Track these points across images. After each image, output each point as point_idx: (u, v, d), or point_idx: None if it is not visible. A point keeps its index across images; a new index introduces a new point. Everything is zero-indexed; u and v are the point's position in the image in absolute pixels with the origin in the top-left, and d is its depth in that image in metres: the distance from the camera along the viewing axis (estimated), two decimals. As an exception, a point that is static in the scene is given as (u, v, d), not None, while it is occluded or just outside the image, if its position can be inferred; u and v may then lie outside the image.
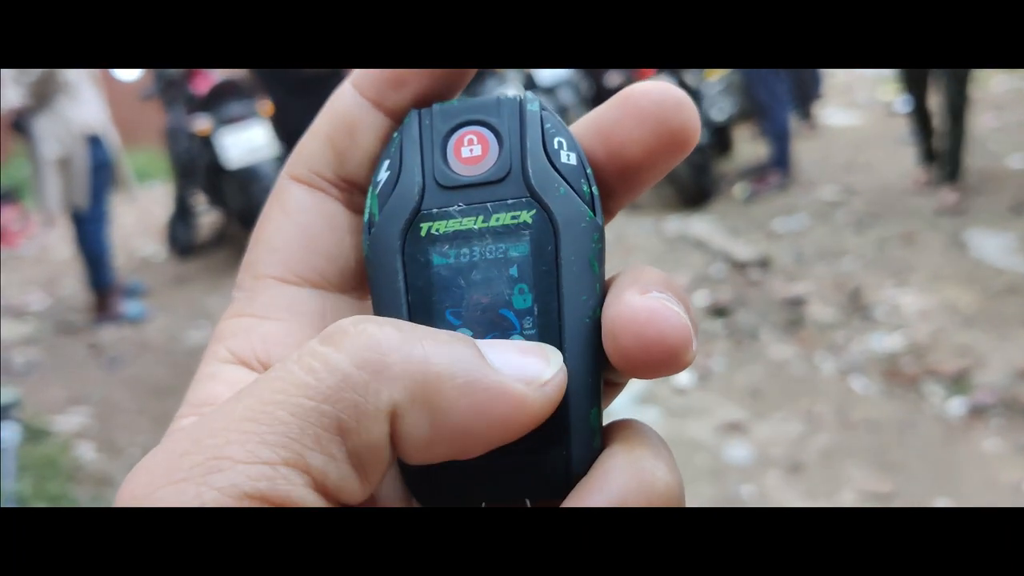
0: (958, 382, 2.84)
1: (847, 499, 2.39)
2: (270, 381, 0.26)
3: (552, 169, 0.31)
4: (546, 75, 5.75)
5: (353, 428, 0.25)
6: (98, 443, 3.09)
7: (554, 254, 0.31)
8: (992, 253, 3.78)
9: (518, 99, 0.32)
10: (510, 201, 0.31)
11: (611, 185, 0.33)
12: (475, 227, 0.31)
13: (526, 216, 0.31)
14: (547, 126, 0.32)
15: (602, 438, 0.31)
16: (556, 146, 0.31)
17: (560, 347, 0.30)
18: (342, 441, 0.25)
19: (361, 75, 0.33)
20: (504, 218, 0.31)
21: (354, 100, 0.33)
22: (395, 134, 0.33)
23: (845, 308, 3.51)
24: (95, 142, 4.08)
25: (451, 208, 0.31)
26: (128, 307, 4.44)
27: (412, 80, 0.33)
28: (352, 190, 0.34)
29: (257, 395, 0.25)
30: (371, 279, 0.32)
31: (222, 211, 5.31)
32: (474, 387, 0.27)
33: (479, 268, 0.31)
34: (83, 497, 2.71)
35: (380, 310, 0.31)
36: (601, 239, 0.32)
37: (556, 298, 0.30)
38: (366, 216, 0.32)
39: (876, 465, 2.52)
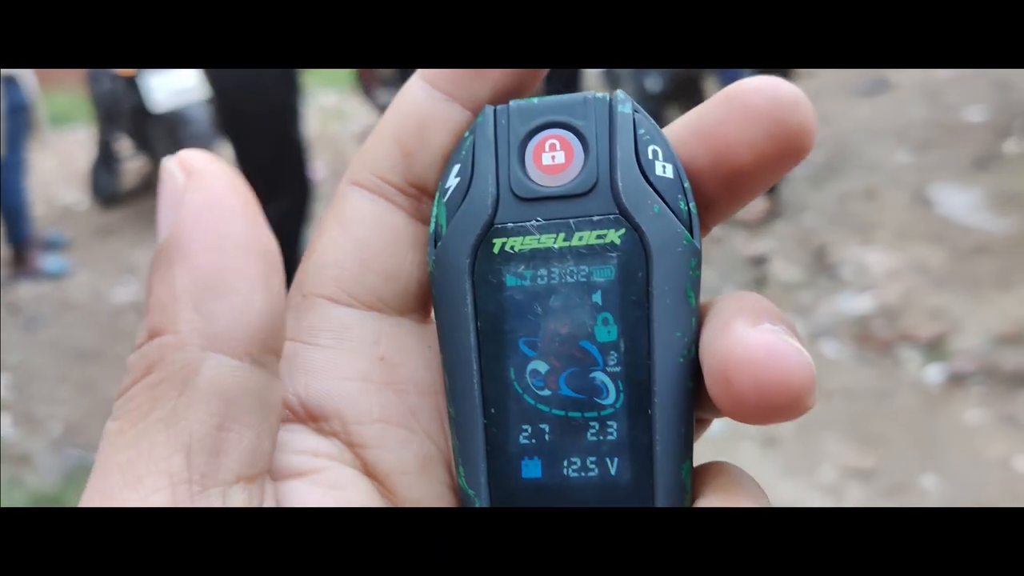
0: (934, 348, 2.73)
1: (828, 475, 2.27)
2: None
3: (645, 183, 0.28)
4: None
5: (183, 403, 0.24)
6: (15, 415, 2.83)
7: (645, 282, 0.28)
8: (958, 210, 3.69)
9: (607, 99, 0.29)
10: (596, 218, 0.28)
11: (712, 196, 0.29)
12: (555, 246, 0.28)
13: (614, 236, 0.28)
14: (640, 131, 0.29)
15: (692, 493, 0.28)
16: (651, 156, 0.28)
17: (649, 390, 0.27)
18: (187, 423, 0.24)
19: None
20: (588, 237, 0.28)
21: (425, 94, 0.30)
22: (466, 134, 0.30)
23: (810, 267, 3.40)
24: (10, 83, 3.84)
25: (529, 223, 0.28)
26: (47, 262, 4.17)
27: (492, 70, 0.30)
28: (422, 197, 0.31)
29: None
30: (436, 300, 0.29)
31: (148, 157, 5.03)
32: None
33: (558, 293, 0.28)
34: (-2, 478, 2.47)
35: (445, 336, 0.29)
36: (699, 266, 0.29)
37: (646, 333, 0.28)
38: (432, 227, 0.29)
39: (855, 438, 2.41)
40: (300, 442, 0.29)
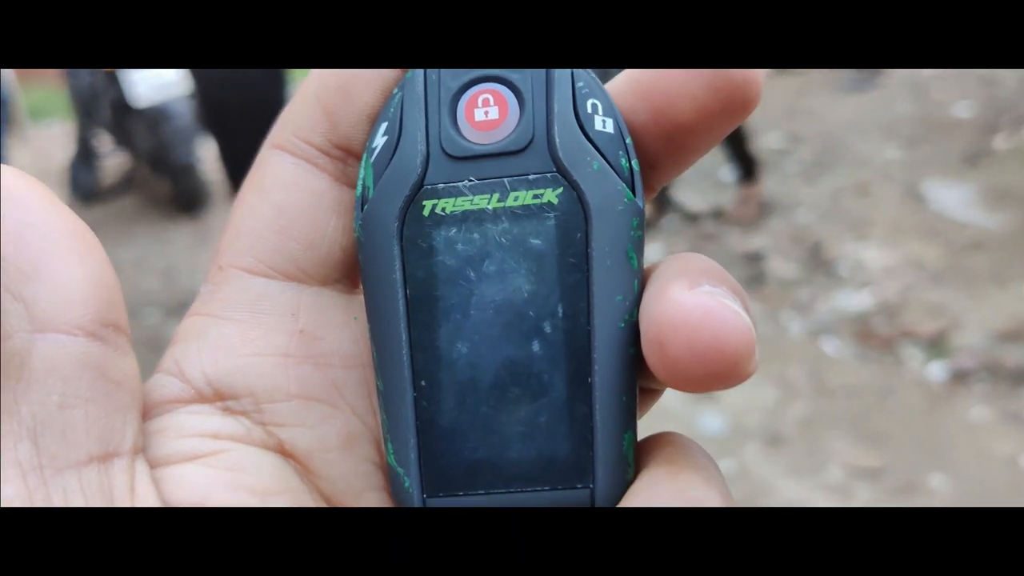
0: (936, 344, 2.71)
1: (834, 475, 2.24)
2: None
3: (584, 138, 0.26)
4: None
5: (16, 391, 0.23)
6: (-4, 419, 2.75)
7: (584, 243, 0.26)
8: (952, 206, 3.67)
9: None
10: (532, 177, 0.26)
11: (654, 154, 0.27)
12: (489, 207, 0.26)
13: (551, 195, 0.26)
14: (579, 85, 0.27)
15: (635, 466, 0.26)
16: (590, 110, 0.26)
17: (589, 357, 0.26)
18: (25, 408, 0.23)
19: None
20: (524, 197, 0.26)
21: None
22: (395, 91, 0.27)
23: (807, 263, 3.37)
24: None
25: (461, 183, 0.26)
26: (26, 260, 4.03)
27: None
28: (347, 159, 0.28)
29: None
30: (363, 267, 0.27)
31: (129, 153, 4.97)
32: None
33: (493, 257, 0.26)
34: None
35: (372, 305, 0.27)
36: (641, 225, 0.27)
37: (585, 297, 0.26)
38: (358, 190, 0.27)
39: (859, 436, 2.38)
40: (199, 424, 0.27)
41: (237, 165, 2.96)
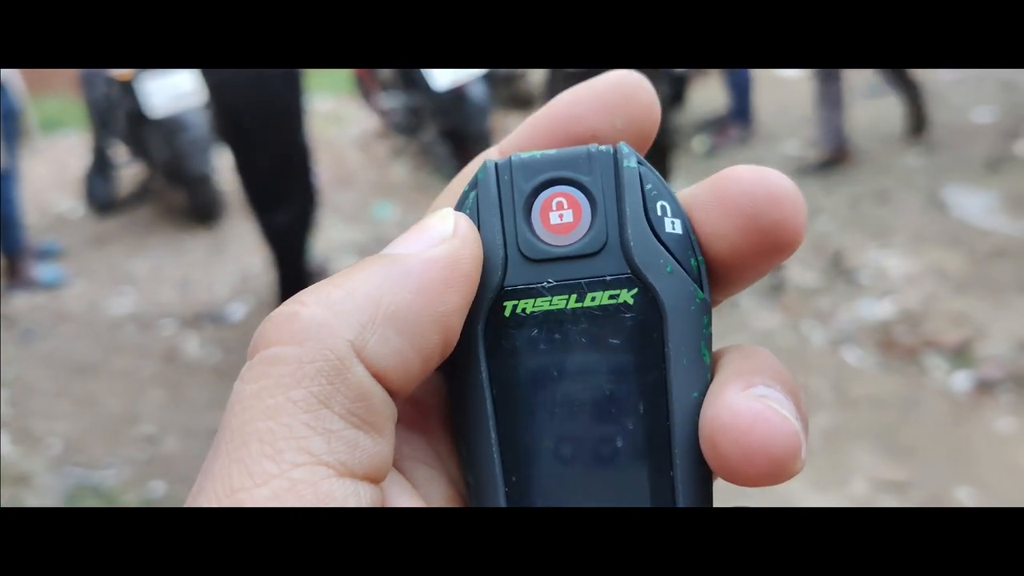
0: (960, 354, 2.66)
1: (859, 488, 2.20)
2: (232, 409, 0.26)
3: (656, 240, 0.28)
4: (444, 75, 4.34)
5: (330, 392, 0.25)
6: (12, 433, 2.74)
7: (661, 342, 0.27)
8: (974, 213, 3.62)
9: (611, 152, 0.29)
10: (608, 278, 0.28)
11: None
12: (568, 308, 0.28)
13: (627, 296, 0.28)
14: (648, 187, 0.28)
15: None
16: (659, 212, 0.28)
17: (669, 456, 0.27)
18: (330, 411, 0.25)
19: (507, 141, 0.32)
20: (601, 298, 0.28)
21: None
22: (467, 190, 0.29)
23: (828, 272, 3.33)
24: None
25: (540, 285, 0.28)
26: (42, 272, 4.05)
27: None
28: None
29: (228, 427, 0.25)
30: (448, 366, 0.28)
31: (145, 164, 4.95)
32: (406, 276, 0.26)
33: (574, 356, 0.28)
34: (-4, 499, 2.37)
35: (458, 403, 0.28)
36: (711, 322, 0.28)
37: (664, 394, 0.27)
38: None
39: (884, 449, 2.33)
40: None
41: (253, 175, 2.94)
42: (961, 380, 2.56)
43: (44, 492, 2.44)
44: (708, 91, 5.86)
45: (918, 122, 4.53)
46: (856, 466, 2.28)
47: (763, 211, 0.27)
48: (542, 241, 0.28)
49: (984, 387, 2.51)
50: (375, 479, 0.26)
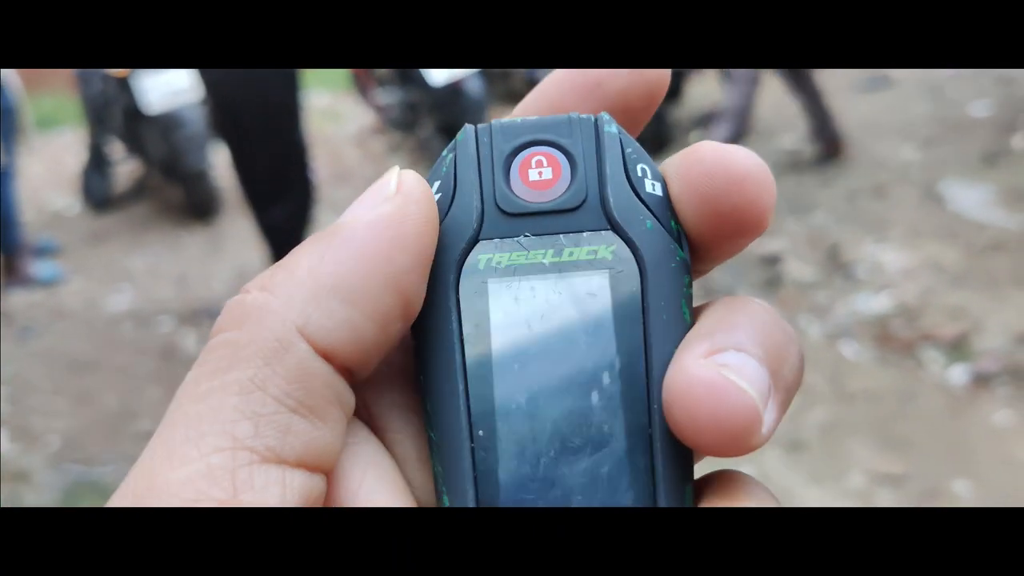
0: (957, 348, 2.67)
1: (856, 481, 2.20)
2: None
3: (636, 198, 0.28)
4: (440, 71, 4.43)
5: (266, 374, 0.24)
6: (10, 430, 2.74)
7: (640, 297, 0.27)
8: (970, 207, 3.63)
9: (592, 119, 0.29)
10: (587, 233, 0.28)
11: None
12: (545, 261, 0.27)
13: (606, 251, 0.27)
14: (628, 150, 0.28)
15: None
16: (640, 173, 0.28)
17: (648, 410, 0.26)
18: (264, 393, 0.24)
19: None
20: (580, 252, 0.27)
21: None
22: (445, 152, 0.29)
23: (824, 266, 3.33)
24: None
25: (516, 238, 0.28)
26: (40, 269, 4.05)
27: (608, 80, 0.30)
28: None
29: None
30: (418, 318, 0.28)
31: (141, 160, 4.94)
32: (347, 243, 0.26)
33: (549, 310, 0.27)
34: (-5, 496, 2.37)
35: (427, 355, 0.28)
36: (691, 282, 0.28)
37: (642, 351, 0.27)
38: None
39: (881, 442, 2.34)
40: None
41: (250, 171, 2.94)
42: (958, 373, 2.56)
43: (43, 489, 2.44)
44: (704, 86, 5.86)
45: (829, 143, 4.36)
46: (853, 459, 2.29)
47: (722, 193, 0.27)
48: (520, 197, 0.28)
49: (981, 380, 2.52)
50: (312, 466, 0.25)
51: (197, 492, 0.23)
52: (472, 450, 0.27)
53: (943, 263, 3.20)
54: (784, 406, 0.27)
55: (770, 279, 3.28)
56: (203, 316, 3.52)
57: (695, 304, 0.29)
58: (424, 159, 5.06)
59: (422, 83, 4.47)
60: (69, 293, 3.91)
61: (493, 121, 0.29)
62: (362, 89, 5.62)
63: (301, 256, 0.26)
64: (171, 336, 3.39)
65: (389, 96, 5.15)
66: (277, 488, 0.24)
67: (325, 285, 0.25)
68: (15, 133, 4.09)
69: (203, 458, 0.23)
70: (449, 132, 4.53)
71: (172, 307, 3.64)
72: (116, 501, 0.24)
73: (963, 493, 2.12)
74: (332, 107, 6.73)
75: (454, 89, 4.31)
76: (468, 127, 0.29)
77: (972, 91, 5.00)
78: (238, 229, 4.28)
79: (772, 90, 5.51)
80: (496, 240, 0.28)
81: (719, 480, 0.28)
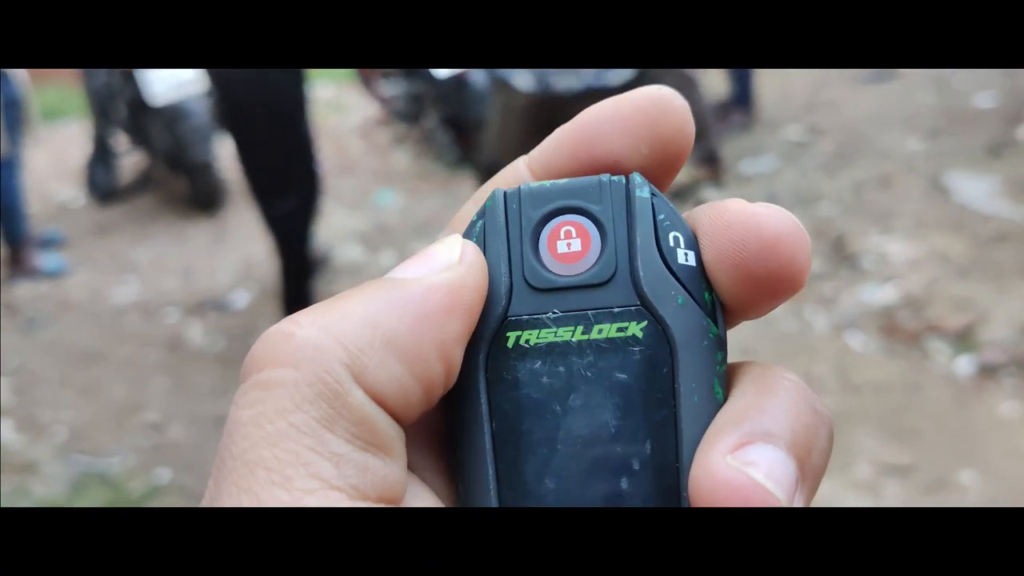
0: (963, 339, 2.67)
1: (863, 472, 2.20)
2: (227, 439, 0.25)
3: (667, 271, 0.26)
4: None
5: (331, 416, 0.24)
6: (17, 421, 2.75)
7: (670, 378, 0.26)
8: (976, 198, 3.62)
9: (623, 181, 0.27)
10: (616, 310, 0.26)
11: None
12: (573, 340, 0.26)
13: (635, 329, 0.26)
14: (660, 217, 0.27)
15: None
16: (672, 243, 0.27)
17: (678, 495, 0.26)
18: (333, 435, 0.24)
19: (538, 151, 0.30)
20: (609, 330, 0.26)
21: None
22: (474, 218, 0.28)
23: (830, 257, 3.33)
24: (1, 77, 3.73)
25: (544, 315, 0.27)
26: (45, 260, 4.05)
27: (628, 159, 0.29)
28: None
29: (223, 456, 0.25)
30: (447, 398, 0.27)
31: (146, 152, 4.95)
32: (407, 301, 0.25)
33: (578, 391, 0.26)
34: (3, 488, 2.37)
35: (456, 436, 0.27)
36: (724, 359, 0.27)
37: (673, 434, 0.26)
38: None
39: (888, 433, 2.34)
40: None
41: (255, 163, 2.94)
42: (964, 364, 2.56)
43: (50, 480, 2.45)
44: (709, 77, 5.85)
45: (710, 166, 4.17)
46: (860, 450, 2.29)
47: (754, 260, 0.26)
48: (548, 270, 0.27)
49: (987, 371, 2.52)
50: (391, 500, 0.25)
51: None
52: None
53: (949, 254, 3.19)
54: (812, 492, 0.26)
55: (776, 271, 3.28)
56: (208, 308, 3.53)
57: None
58: (428, 151, 5.06)
59: (426, 75, 4.48)
60: (74, 285, 3.92)
61: (522, 186, 0.28)
62: (366, 81, 5.61)
63: (355, 302, 0.26)
64: (177, 328, 3.39)
65: (393, 88, 5.15)
66: None
67: (380, 337, 0.25)
68: (20, 124, 4.09)
69: (297, 501, 0.23)
70: (453, 123, 4.53)
71: (177, 299, 3.65)
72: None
73: (970, 484, 2.12)
74: (336, 98, 6.73)
75: (458, 81, 4.31)
76: (497, 192, 0.28)
77: (977, 82, 4.99)
78: (243, 221, 4.28)
79: (775, 80, 5.50)
80: (524, 317, 0.27)
81: None
